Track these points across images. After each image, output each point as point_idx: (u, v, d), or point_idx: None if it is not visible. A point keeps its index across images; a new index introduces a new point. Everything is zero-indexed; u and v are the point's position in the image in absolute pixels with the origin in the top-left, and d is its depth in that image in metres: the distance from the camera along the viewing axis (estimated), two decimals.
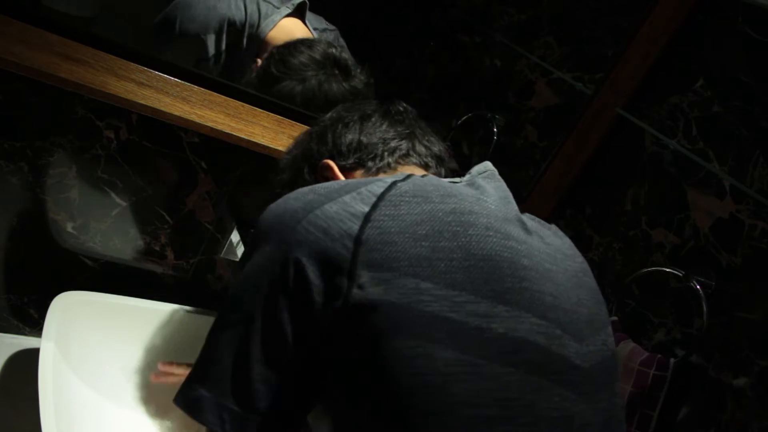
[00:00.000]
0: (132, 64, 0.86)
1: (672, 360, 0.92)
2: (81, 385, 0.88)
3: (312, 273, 0.54)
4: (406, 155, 0.75)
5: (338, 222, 0.55)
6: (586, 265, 0.70)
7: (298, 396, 0.58)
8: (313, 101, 1.01)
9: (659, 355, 0.93)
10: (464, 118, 1.25)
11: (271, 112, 0.99)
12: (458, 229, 0.57)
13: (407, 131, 0.76)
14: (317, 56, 1.02)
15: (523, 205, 1.09)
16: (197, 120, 0.92)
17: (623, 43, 1.06)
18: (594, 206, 1.12)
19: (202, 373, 0.59)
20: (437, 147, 0.79)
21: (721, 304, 0.92)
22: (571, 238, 0.73)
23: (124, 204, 1.01)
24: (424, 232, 0.56)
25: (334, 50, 1.04)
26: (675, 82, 1.03)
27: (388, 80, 1.23)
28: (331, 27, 1.09)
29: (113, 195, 0.99)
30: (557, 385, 0.56)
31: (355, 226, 0.55)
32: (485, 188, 0.66)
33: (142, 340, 1.00)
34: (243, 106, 0.96)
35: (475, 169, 0.71)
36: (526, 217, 0.67)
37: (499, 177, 0.71)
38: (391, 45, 1.21)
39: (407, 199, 0.58)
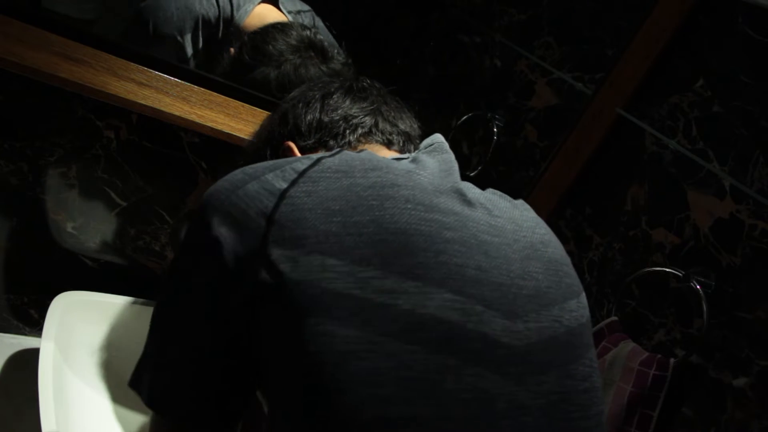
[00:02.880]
0: (132, 64, 0.87)
1: (672, 360, 0.92)
2: (81, 385, 0.88)
3: (227, 252, 0.54)
4: (369, 133, 0.72)
5: (256, 201, 0.55)
6: (550, 237, 0.66)
7: (223, 379, 0.58)
8: (290, 87, 0.95)
9: (659, 355, 0.93)
10: (464, 118, 1.25)
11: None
12: (374, 203, 0.55)
13: (371, 107, 0.74)
14: (292, 41, 0.99)
15: None
16: (197, 120, 0.92)
17: (623, 43, 1.06)
18: (594, 206, 1.12)
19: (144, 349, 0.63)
20: (405, 124, 0.76)
21: (721, 304, 0.92)
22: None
23: (124, 204, 1.01)
24: (337, 207, 0.54)
25: (308, 32, 1.01)
26: (675, 82, 1.03)
27: (388, 80, 1.23)
28: (306, 8, 1.07)
29: (113, 195, 0.99)
30: (471, 365, 0.53)
31: (271, 204, 0.54)
32: (425, 162, 0.64)
33: (142, 340, 1.00)
34: (243, 106, 0.96)
35: (423, 143, 0.69)
36: (476, 191, 0.64)
37: (448, 149, 0.68)
38: (391, 45, 1.20)
39: (328, 174, 0.56)
